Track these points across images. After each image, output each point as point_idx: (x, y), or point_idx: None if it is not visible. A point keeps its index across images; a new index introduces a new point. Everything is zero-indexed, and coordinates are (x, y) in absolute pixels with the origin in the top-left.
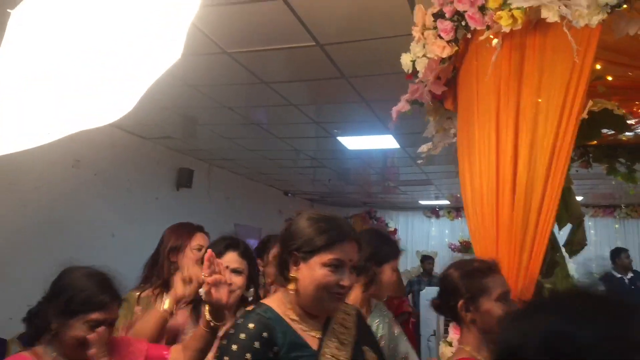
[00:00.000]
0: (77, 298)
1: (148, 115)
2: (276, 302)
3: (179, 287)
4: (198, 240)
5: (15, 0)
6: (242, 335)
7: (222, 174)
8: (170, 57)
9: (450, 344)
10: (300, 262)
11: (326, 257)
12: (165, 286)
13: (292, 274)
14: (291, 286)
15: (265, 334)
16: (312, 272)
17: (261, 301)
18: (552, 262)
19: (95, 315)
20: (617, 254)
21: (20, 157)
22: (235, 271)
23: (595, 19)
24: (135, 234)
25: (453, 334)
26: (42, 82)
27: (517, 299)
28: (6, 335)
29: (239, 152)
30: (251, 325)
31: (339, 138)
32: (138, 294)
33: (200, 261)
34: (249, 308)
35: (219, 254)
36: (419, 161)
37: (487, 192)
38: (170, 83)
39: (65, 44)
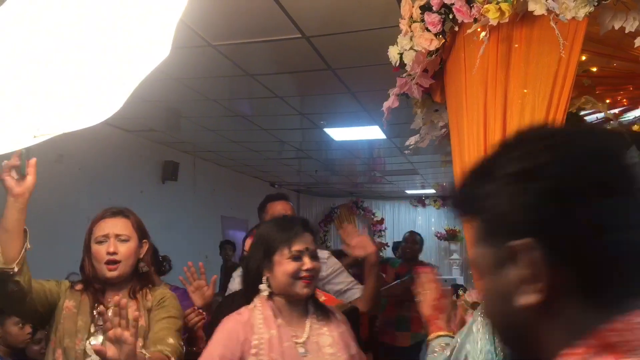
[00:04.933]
0: None
1: (132, 108)
2: None
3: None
4: (101, 229)
5: None
6: None
7: (208, 167)
8: (159, 55)
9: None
10: None
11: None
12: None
13: None
14: None
15: None
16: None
17: None
18: None
19: None
20: None
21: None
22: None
23: (582, 12)
24: None
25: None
26: (29, 82)
27: None
28: None
29: (224, 144)
30: None
31: (325, 129)
32: None
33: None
34: None
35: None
36: (406, 151)
37: None
38: (154, 76)
39: (52, 43)
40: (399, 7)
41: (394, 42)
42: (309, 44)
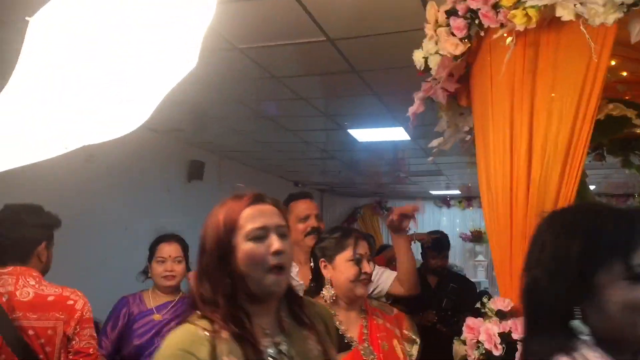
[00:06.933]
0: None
1: (160, 109)
2: None
3: None
4: (254, 220)
5: (33, 7)
6: None
7: (233, 166)
8: (187, 65)
9: (464, 342)
10: None
11: None
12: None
13: None
14: None
15: None
16: None
17: None
18: None
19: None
20: None
21: None
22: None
23: (612, 18)
24: (147, 227)
25: (467, 332)
26: (60, 92)
27: None
28: None
29: (249, 144)
30: None
31: (349, 130)
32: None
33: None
34: None
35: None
36: (429, 159)
37: (502, 191)
38: (182, 79)
39: (83, 52)
40: (424, 10)
41: (418, 44)
42: (333, 47)
